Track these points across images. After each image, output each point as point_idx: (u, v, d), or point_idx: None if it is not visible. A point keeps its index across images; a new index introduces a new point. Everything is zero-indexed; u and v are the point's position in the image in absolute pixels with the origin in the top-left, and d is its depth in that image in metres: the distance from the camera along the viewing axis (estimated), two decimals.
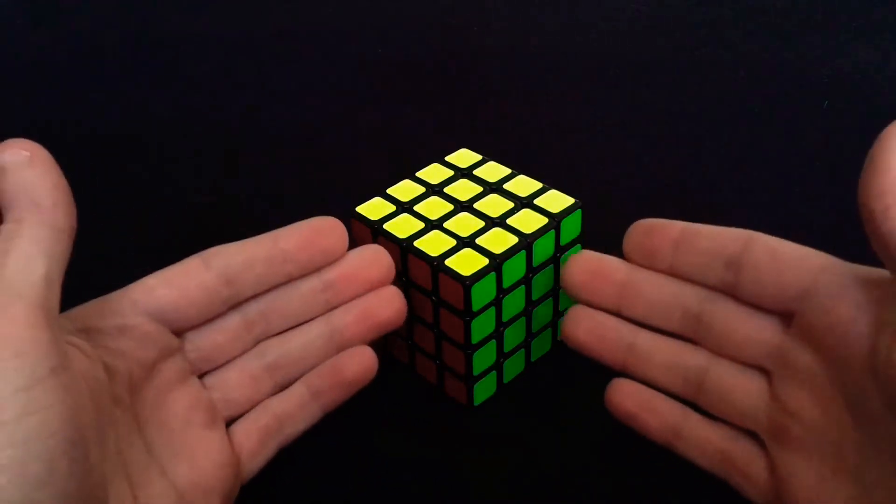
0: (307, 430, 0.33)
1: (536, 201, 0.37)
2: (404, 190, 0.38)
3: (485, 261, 0.34)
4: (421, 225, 0.36)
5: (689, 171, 0.51)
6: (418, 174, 0.39)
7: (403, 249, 0.35)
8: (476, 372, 0.36)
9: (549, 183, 0.38)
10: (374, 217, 0.36)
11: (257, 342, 0.33)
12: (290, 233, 0.32)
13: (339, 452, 0.36)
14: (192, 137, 0.55)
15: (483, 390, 0.37)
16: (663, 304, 0.31)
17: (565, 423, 0.37)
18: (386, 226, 0.36)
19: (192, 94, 0.59)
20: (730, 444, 0.30)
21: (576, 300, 0.33)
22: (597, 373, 0.38)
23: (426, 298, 0.35)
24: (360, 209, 0.37)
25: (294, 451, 0.35)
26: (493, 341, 0.36)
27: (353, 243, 0.38)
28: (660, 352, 0.31)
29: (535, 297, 0.37)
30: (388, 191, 0.38)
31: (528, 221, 0.36)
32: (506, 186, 0.38)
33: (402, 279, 0.36)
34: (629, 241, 0.32)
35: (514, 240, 0.35)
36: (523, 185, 0.38)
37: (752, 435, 0.30)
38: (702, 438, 0.30)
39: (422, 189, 0.38)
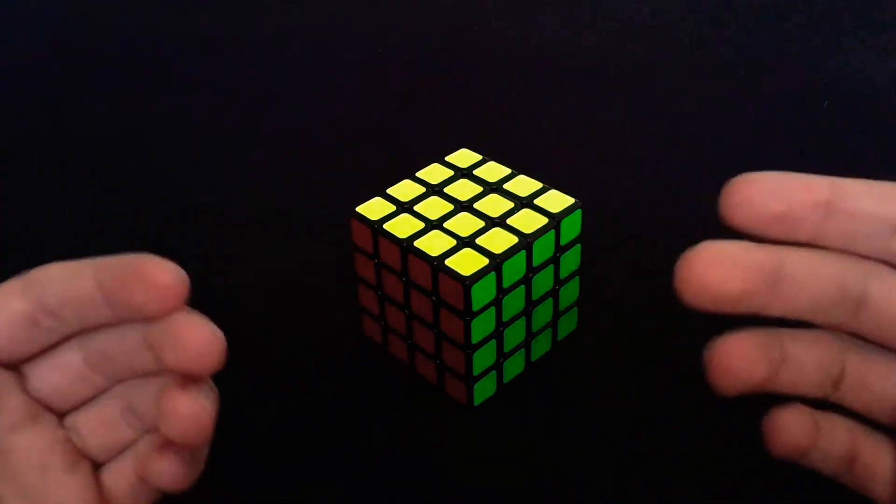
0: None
1: (536, 201, 0.37)
2: (404, 190, 0.38)
3: (485, 261, 0.34)
4: (421, 225, 0.36)
5: (689, 171, 0.51)
6: (418, 174, 0.39)
7: (403, 249, 0.35)
8: (476, 372, 0.36)
9: (549, 183, 0.38)
10: (374, 217, 0.36)
11: (113, 383, 0.27)
12: (107, 269, 0.25)
13: (339, 452, 0.36)
14: (192, 137, 0.55)
15: (483, 390, 0.37)
16: (824, 289, 0.24)
17: (565, 423, 0.37)
18: (386, 226, 0.36)
19: (192, 94, 0.59)
20: (857, 440, 0.26)
21: (714, 310, 0.23)
22: (596, 373, 0.38)
23: (426, 298, 0.35)
24: (361, 209, 0.37)
25: (292, 451, 0.35)
26: (493, 341, 0.36)
27: (354, 244, 0.38)
28: (809, 351, 0.25)
29: (535, 296, 0.37)
30: (389, 191, 0.38)
31: (527, 221, 0.36)
32: (506, 186, 0.38)
33: (402, 279, 0.36)
34: (744, 206, 0.23)
35: (514, 240, 0.35)
36: (523, 185, 0.38)
37: (878, 428, 0.26)
38: (829, 442, 0.26)
39: (422, 189, 0.38)
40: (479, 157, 0.40)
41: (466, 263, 0.34)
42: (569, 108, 0.57)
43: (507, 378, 0.38)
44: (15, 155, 0.53)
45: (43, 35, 0.67)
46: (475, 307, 0.34)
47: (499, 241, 0.35)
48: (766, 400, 0.31)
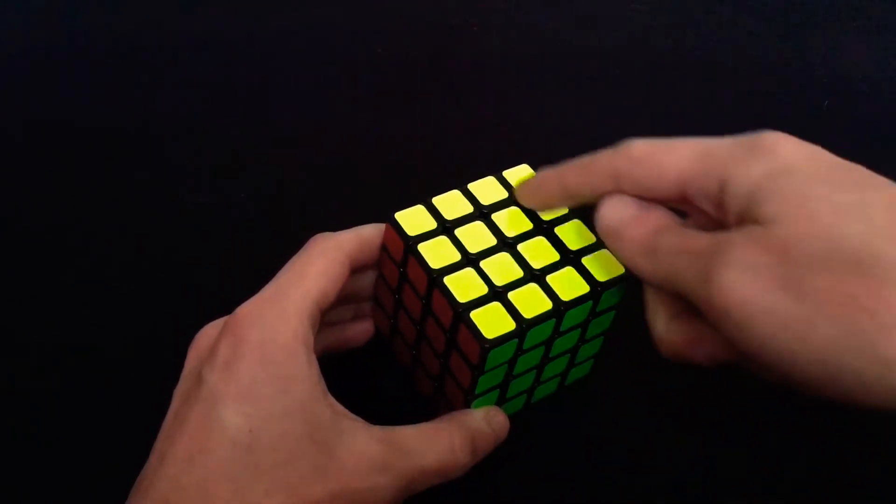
0: None
1: (584, 259, 0.34)
2: (451, 203, 0.35)
3: (511, 325, 0.31)
4: (457, 257, 0.33)
5: None
6: (470, 187, 0.35)
7: (431, 281, 0.33)
8: (473, 409, 0.34)
9: None
10: (411, 231, 0.33)
11: None
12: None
13: None
14: (192, 137, 0.55)
15: None
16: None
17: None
18: (420, 247, 0.33)
19: (192, 94, 0.59)
20: None
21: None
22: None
23: (442, 333, 0.33)
24: (399, 217, 0.34)
25: None
26: (498, 390, 0.34)
27: (384, 245, 0.36)
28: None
29: (552, 354, 0.34)
30: (434, 200, 0.35)
31: (568, 285, 0.33)
32: (557, 230, 0.35)
33: (423, 302, 0.34)
34: (525, 199, 0.35)
35: (547, 305, 0.32)
36: (575, 233, 0.35)
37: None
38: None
39: (469, 208, 0.35)
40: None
41: (492, 322, 0.31)
42: (569, 108, 0.57)
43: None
44: (14, 153, 0.53)
45: (43, 35, 0.67)
46: (488, 366, 0.32)
47: (532, 301, 0.32)
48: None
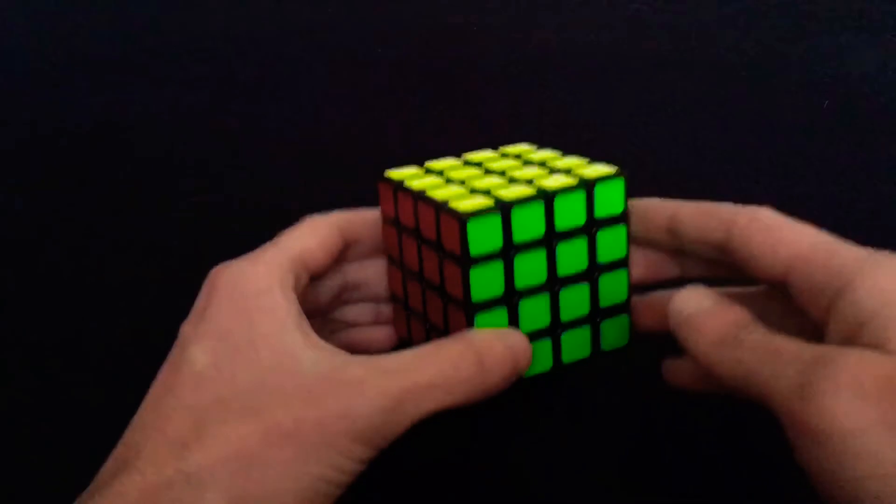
0: None
1: (574, 171, 0.33)
2: (443, 163, 0.36)
3: (490, 202, 0.30)
4: (441, 181, 0.33)
5: (688, 171, 0.51)
6: (466, 155, 0.37)
7: (415, 199, 0.32)
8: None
9: None
10: (397, 178, 0.34)
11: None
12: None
13: None
14: (192, 137, 0.55)
15: None
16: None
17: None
18: (406, 182, 0.33)
19: (192, 94, 0.59)
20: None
21: None
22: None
23: (434, 254, 0.32)
24: (389, 172, 0.35)
25: None
26: (504, 309, 0.31)
27: (382, 213, 0.36)
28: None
29: (560, 271, 0.32)
30: (427, 163, 0.36)
31: (554, 181, 0.32)
32: (548, 163, 0.34)
33: (415, 237, 0.33)
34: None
35: (530, 191, 0.31)
36: (568, 161, 0.35)
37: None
38: None
39: (461, 163, 0.36)
40: (534, 148, 0.37)
41: (470, 205, 0.30)
42: (568, 108, 0.57)
43: (528, 372, 0.32)
44: (14, 154, 0.53)
45: (43, 35, 0.67)
46: (473, 250, 0.30)
47: (514, 191, 0.31)
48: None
